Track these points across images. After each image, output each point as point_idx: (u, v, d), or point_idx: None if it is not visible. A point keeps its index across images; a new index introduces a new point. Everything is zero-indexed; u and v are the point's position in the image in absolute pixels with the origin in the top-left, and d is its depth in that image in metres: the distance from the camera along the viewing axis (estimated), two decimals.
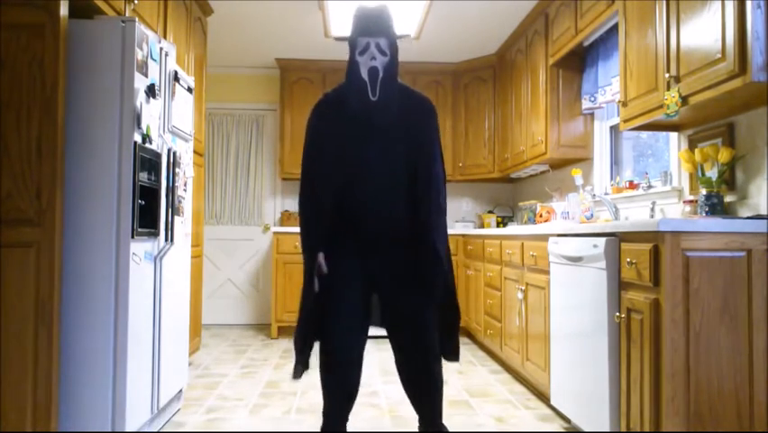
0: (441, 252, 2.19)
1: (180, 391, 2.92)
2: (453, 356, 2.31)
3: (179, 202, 2.82)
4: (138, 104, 2.24)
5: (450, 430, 2.58)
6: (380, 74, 2.16)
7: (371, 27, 2.17)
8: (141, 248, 2.31)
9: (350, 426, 2.71)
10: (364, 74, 2.17)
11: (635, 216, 3.28)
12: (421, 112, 2.26)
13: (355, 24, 2.21)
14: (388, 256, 2.25)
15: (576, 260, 2.51)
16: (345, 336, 2.18)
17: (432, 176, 2.21)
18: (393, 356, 2.31)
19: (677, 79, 2.36)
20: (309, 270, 2.21)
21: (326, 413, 2.25)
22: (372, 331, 3.32)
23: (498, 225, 5.40)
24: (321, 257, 2.22)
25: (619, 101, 2.88)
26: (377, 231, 2.24)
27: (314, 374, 3.67)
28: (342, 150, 2.20)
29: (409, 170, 2.21)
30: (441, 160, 2.28)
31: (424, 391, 2.27)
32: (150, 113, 2.37)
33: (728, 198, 2.53)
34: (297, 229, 4.93)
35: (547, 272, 2.92)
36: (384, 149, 2.19)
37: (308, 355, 2.24)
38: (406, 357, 2.26)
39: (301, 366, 2.23)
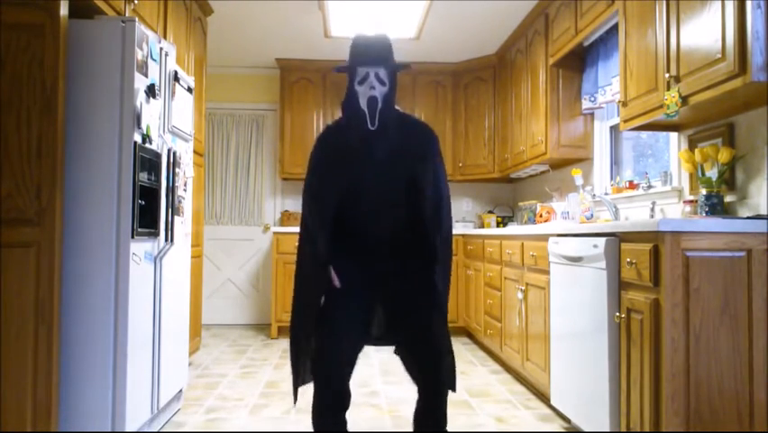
0: (440, 284, 2.20)
1: (180, 391, 2.92)
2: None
3: (179, 202, 2.82)
4: (138, 104, 2.24)
5: (450, 430, 2.58)
6: (379, 104, 2.13)
7: (371, 56, 2.13)
8: (141, 248, 2.31)
9: (350, 426, 2.71)
10: (363, 104, 2.13)
11: (635, 216, 3.28)
12: (421, 139, 2.24)
13: (354, 53, 2.16)
14: (390, 275, 2.23)
15: (576, 260, 2.51)
16: (340, 352, 2.15)
17: (437, 199, 2.21)
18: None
19: (677, 79, 2.36)
20: (304, 294, 2.20)
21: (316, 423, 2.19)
22: None
23: (498, 225, 5.40)
24: (332, 272, 2.20)
25: (619, 101, 2.88)
26: (378, 253, 2.24)
27: None
28: (342, 180, 2.18)
29: (411, 195, 2.20)
30: (445, 183, 2.26)
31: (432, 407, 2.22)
32: (150, 113, 2.37)
33: (728, 198, 2.52)
34: (298, 229, 4.93)
35: (547, 272, 2.92)
36: (384, 177, 2.18)
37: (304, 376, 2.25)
38: (420, 369, 2.22)
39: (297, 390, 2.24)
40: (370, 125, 2.14)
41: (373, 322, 2.30)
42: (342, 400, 2.19)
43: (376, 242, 2.23)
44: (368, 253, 2.24)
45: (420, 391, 2.27)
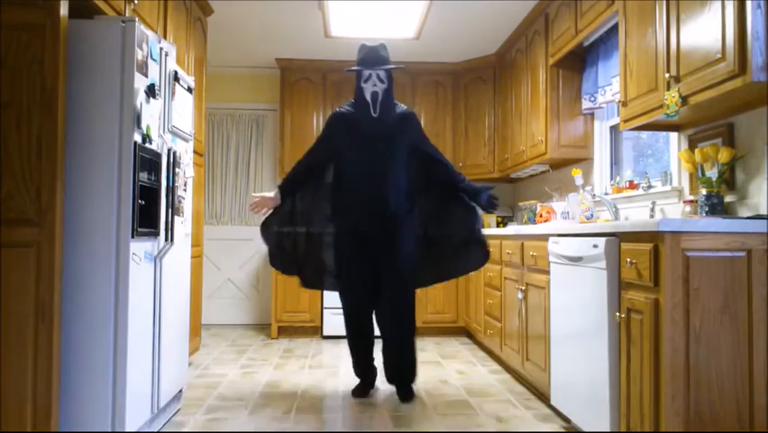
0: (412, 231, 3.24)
1: (180, 391, 2.92)
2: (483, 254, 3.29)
3: (179, 202, 2.82)
4: (138, 104, 2.24)
5: (450, 430, 2.59)
6: (380, 97, 3.03)
7: (373, 61, 3.02)
8: (141, 248, 2.31)
9: (349, 426, 2.71)
10: (368, 97, 3.03)
11: (635, 216, 3.28)
12: (406, 120, 3.16)
13: (360, 59, 3.05)
14: (381, 224, 3.06)
15: (576, 260, 2.51)
16: (353, 270, 3.12)
17: (437, 155, 3.24)
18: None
19: (677, 79, 2.36)
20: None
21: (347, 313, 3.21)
22: (377, 332, 3.37)
23: (498, 225, 5.40)
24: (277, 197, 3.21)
25: (619, 101, 2.88)
26: (371, 205, 3.04)
27: (314, 374, 3.67)
28: (345, 150, 3.09)
29: (403, 160, 3.13)
30: (431, 144, 3.27)
31: (393, 320, 3.11)
32: (151, 113, 2.37)
33: (728, 198, 2.52)
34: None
35: (547, 272, 2.92)
36: (379, 151, 3.05)
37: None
38: (384, 283, 3.10)
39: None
40: (372, 113, 3.04)
41: (370, 254, 3.12)
42: (365, 302, 3.14)
43: (370, 199, 3.04)
44: (363, 207, 3.06)
45: (384, 294, 3.11)
